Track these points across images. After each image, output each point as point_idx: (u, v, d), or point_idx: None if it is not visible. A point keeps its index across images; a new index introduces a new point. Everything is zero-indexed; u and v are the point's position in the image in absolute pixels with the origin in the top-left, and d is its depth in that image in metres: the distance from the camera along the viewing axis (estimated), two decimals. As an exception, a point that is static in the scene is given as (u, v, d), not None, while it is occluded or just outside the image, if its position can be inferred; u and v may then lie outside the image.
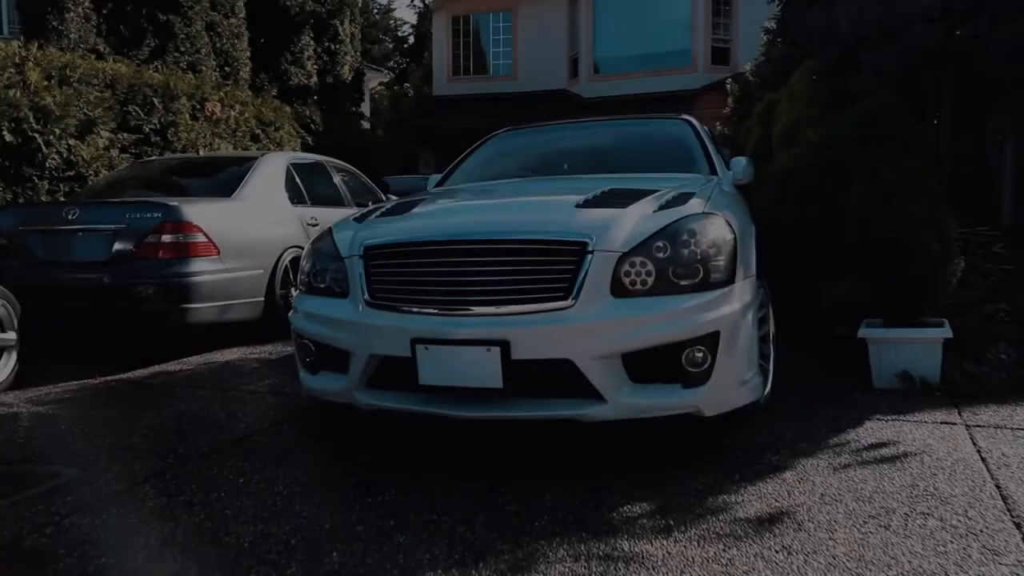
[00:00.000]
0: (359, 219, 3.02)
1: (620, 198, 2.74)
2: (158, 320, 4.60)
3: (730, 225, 2.60)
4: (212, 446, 2.91)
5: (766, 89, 11.41)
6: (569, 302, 2.34)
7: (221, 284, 4.78)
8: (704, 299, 2.40)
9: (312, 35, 13.11)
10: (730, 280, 2.49)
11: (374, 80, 25.03)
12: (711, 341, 2.40)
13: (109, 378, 4.22)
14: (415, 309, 2.48)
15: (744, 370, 2.54)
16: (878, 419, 2.97)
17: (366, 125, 16.17)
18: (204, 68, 9.07)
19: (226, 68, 9.94)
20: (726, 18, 15.69)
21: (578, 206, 2.64)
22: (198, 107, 7.74)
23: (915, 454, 2.55)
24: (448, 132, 16.56)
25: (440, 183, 4.20)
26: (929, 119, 5.93)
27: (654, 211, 2.61)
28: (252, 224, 5.18)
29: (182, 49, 8.79)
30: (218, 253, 4.77)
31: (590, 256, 2.37)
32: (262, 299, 5.15)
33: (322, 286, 2.84)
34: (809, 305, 4.20)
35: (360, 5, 17.20)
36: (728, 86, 13.16)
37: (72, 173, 6.13)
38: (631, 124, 4.52)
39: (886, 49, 5.48)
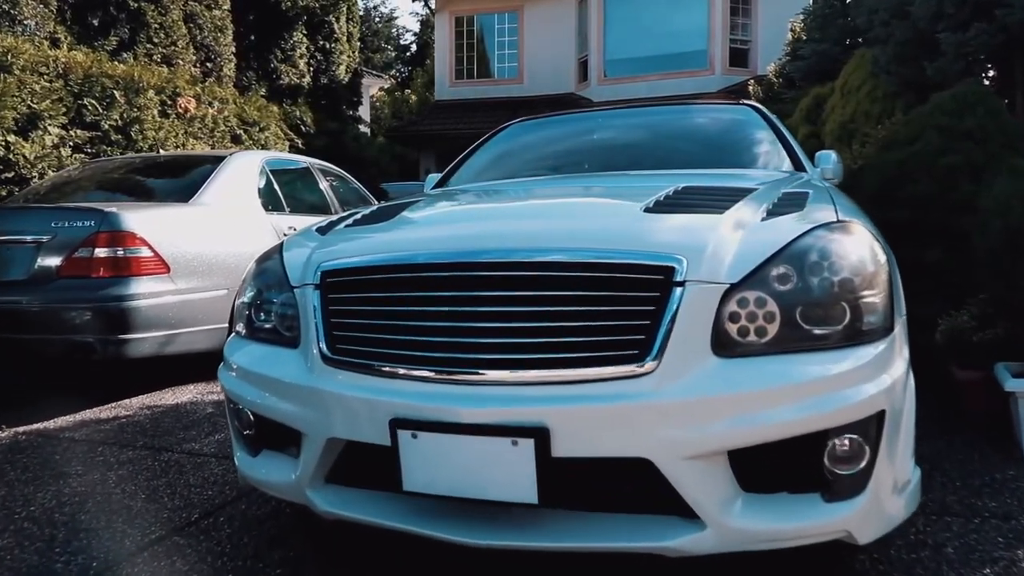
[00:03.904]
0: (323, 229, 2.12)
1: (706, 199, 1.85)
2: (88, 353, 3.70)
3: (877, 240, 1.71)
4: (106, 558, 2.00)
5: (793, 89, 10.61)
6: (647, 365, 1.44)
7: (171, 308, 3.89)
8: (858, 359, 1.50)
9: (305, 32, 12.23)
10: (889, 326, 1.59)
11: (375, 86, 24.29)
12: (871, 426, 1.50)
13: (20, 429, 3.33)
14: (399, 370, 1.58)
15: (908, 465, 1.64)
16: (1071, 520, 2.06)
17: (364, 129, 15.29)
18: (181, 62, 8.18)
19: (208, 64, 9.06)
20: (745, 18, 14.86)
21: (648, 210, 1.74)
22: (169, 103, 6.86)
23: None
24: (451, 138, 15.73)
25: (440, 183, 3.31)
26: (1018, 109, 5.07)
27: (762, 219, 1.71)
28: (213, 235, 4.29)
29: (155, 40, 7.90)
30: (168, 270, 3.89)
31: (679, 290, 1.47)
32: (225, 326, 4.25)
33: (266, 327, 1.94)
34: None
35: (359, 4, 16.38)
36: (750, 88, 12.40)
37: (11, 174, 5.24)
38: (679, 111, 3.62)
39: (973, 27, 4.61)
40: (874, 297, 1.57)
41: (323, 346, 1.68)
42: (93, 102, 5.89)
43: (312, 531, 2.15)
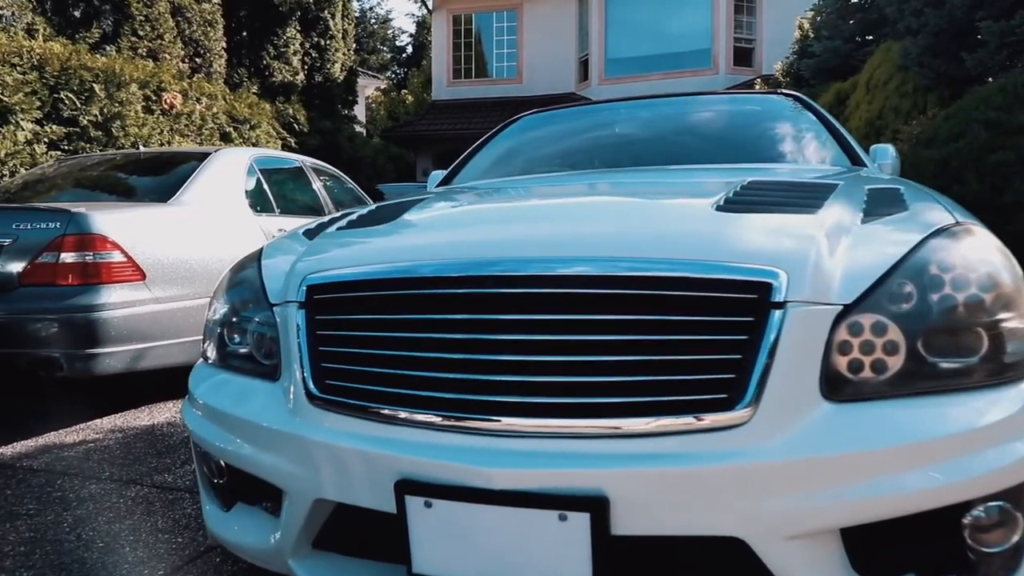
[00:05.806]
0: (311, 232, 1.76)
1: (787, 197, 1.50)
2: (54, 369, 3.33)
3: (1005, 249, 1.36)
4: (44, 635, 1.64)
5: (803, 87, 10.33)
6: (740, 413, 1.08)
7: (147, 319, 3.52)
8: (1007, 404, 1.16)
9: (299, 28, 11.86)
10: (1034, 358, 1.25)
11: (370, 86, 23.95)
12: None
13: (-28, 457, 2.96)
14: (401, 413, 1.23)
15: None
16: None
17: (360, 129, 14.92)
18: (168, 56, 7.81)
19: (197, 59, 8.70)
20: (750, 16, 14.56)
21: (720, 209, 1.39)
22: (154, 98, 6.49)
23: None
24: (448, 139, 15.42)
25: (444, 182, 2.95)
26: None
27: (862, 221, 1.37)
28: (195, 238, 3.92)
29: (141, 33, 7.54)
30: (143, 277, 3.52)
31: (778, 313, 1.12)
32: (207, 337, 3.88)
33: (240, 352, 1.58)
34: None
35: (353, 3, 16.02)
36: (757, 87, 12.14)
37: (-20, 173, 4.87)
38: (712, 101, 3.26)
39: (1017, 14, 4.28)
40: (1018, 320, 1.22)
41: (308, 381, 1.32)
42: (70, 96, 5.51)
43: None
